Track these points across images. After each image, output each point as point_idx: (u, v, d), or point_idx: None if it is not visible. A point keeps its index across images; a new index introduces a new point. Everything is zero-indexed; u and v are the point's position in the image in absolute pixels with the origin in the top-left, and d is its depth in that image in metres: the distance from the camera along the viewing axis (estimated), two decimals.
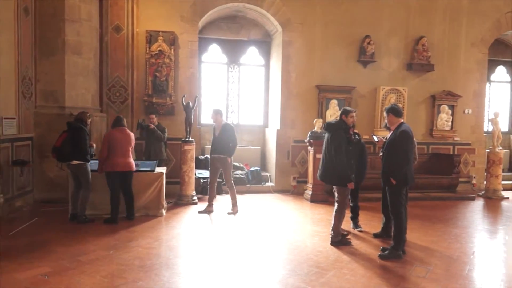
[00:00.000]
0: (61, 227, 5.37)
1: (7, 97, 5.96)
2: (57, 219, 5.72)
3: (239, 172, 8.25)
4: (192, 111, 6.83)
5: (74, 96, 6.88)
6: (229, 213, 6.15)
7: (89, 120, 5.66)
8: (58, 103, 6.81)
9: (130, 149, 5.58)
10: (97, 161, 5.66)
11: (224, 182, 6.27)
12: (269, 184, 8.31)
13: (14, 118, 6.11)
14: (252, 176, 8.20)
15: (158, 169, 6.22)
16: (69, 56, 6.75)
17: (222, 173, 6.19)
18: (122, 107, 7.69)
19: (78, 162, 5.42)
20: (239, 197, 7.39)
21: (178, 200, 6.85)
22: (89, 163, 5.53)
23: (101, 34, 7.37)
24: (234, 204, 6.24)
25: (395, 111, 4.37)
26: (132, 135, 5.64)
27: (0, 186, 5.73)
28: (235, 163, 8.42)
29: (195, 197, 6.97)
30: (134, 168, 5.61)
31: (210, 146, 6.38)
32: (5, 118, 5.85)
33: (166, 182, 6.24)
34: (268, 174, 8.57)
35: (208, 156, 6.88)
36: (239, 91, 9.16)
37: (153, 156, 6.92)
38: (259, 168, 8.47)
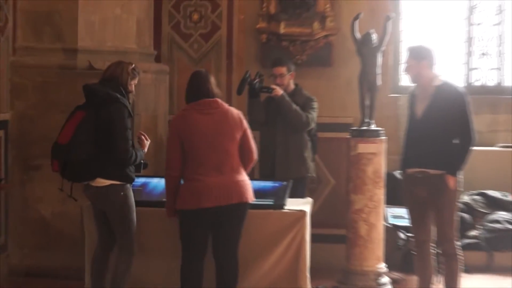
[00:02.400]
0: None
1: None
2: None
3: (502, 215, 7.67)
4: (378, 56, 6.53)
5: (98, 23, 6.89)
6: None
7: (132, 82, 5.62)
8: (62, 41, 6.85)
9: (235, 148, 5.49)
10: (158, 182, 5.94)
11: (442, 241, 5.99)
12: None
13: None
14: None
15: (292, 203, 5.97)
16: None
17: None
18: (206, 50, 7.78)
19: (107, 181, 5.41)
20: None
21: (342, 284, 6.67)
22: (131, 184, 5.54)
23: None
24: None
25: None
26: (238, 115, 5.53)
27: None
28: (489, 192, 7.89)
29: (384, 280, 6.68)
30: (251, 197, 5.51)
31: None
32: None
33: (314, 236, 6.12)
34: None
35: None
36: (501, 6, 8.58)
37: (280, 167, 6.73)
38: None
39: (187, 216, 5.33)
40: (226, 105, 5.48)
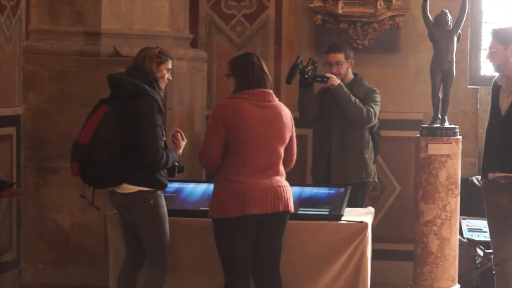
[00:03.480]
0: None
1: None
2: None
3: None
4: (454, 40, 6.45)
5: (125, 3, 6.82)
6: None
7: (162, 68, 5.49)
8: (83, 23, 6.76)
9: (283, 150, 5.38)
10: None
11: None
12: None
13: None
14: None
15: (351, 213, 5.87)
16: None
17: None
18: (250, 33, 7.72)
19: (134, 187, 5.29)
20: None
21: None
22: (163, 191, 5.44)
23: None
24: None
25: None
26: (290, 114, 5.42)
27: None
28: None
29: None
30: (292, 206, 5.39)
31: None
32: None
33: (375, 252, 6.14)
34: None
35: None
36: None
37: (336, 170, 6.68)
38: None
39: (229, 225, 5.08)
40: (279, 103, 5.34)
